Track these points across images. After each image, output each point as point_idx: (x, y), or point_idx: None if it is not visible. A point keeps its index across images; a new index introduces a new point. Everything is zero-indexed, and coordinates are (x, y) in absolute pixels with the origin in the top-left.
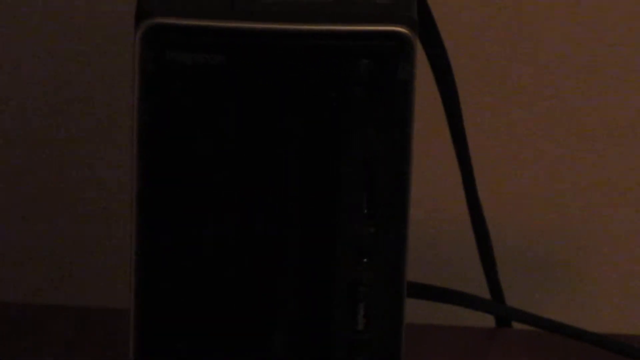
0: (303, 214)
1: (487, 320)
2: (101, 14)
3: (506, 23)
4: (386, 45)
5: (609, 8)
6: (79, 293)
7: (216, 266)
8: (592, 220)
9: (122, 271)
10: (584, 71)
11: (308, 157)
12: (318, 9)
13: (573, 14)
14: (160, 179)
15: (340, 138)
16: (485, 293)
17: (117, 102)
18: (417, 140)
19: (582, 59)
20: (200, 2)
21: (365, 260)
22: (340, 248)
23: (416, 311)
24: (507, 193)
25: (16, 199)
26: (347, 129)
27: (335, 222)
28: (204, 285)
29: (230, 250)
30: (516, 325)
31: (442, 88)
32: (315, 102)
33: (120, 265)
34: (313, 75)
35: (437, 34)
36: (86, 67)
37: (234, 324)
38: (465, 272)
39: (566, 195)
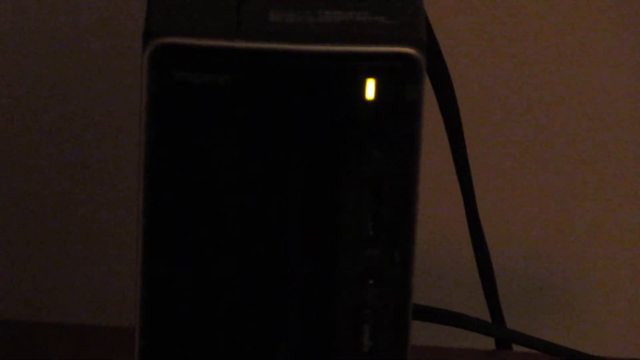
0: (308, 234)
1: (487, 343)
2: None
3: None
4: (394, 67)
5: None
6: (75, 311)
7: (221, 287)
8: (595, 242)
9: (120, 289)
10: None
11: (314, 178)
12: (326, 29)
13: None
14: (166, 197)
15: (347, 159)
16: (485, 315)
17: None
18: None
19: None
20: (208, 21)
21: (371, 282)
22: (345, 270)
23: (416, 333)
24: (509, 216)
25: (10, 214)
26: (353, 150)
27: (341, 244)
28: (209, 306)
29: (236, 271)
30: (516, 347)
31: (445, 115)
32: (322, 122)
33: (118, 282)
34: (320, 95)
35: (442, 62)
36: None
37: (238, 346)
38: (466, 294)
39: (568, 217)
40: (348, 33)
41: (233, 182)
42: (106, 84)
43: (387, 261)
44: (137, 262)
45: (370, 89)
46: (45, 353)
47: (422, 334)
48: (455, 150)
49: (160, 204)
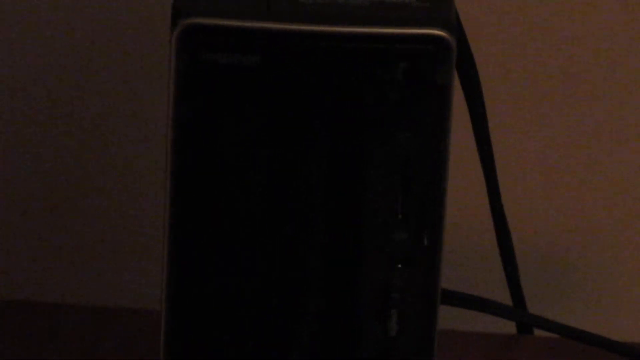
0: (337, 218)
1: (509, 327)
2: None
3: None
4: (424, 49)
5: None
6: (100, 293)
7: (247, 271)
8: (618, 227)
9: (144, 271)
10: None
11: (342, 161)
12: (356, 11)
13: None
14: (194, 178)
15: (376, 142)
16: (507, 299)
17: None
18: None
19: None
20: (237, 2)
21: (399, 266)
22: (374, 253)
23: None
24: (531, 200)
25: (35, 199)
26: (383, 132)
27: (369, 227)
28: (235, 289)
29: (262, 255)
30: (538, 332)
31: (470, 103)
32: (352, 105)
33: (142, 265)
34: (349, 77)
35: (468, 50)
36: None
37: (264, 328)
38: (487, 278)
39: (591, 202)
40: (378, 15)
41: (260, 163)
42: (133, 66)
43: (415, 245)
44: (163, 246)
45: (400, 71)
46: (68, 335)
47: (442, 318)
48: (479, 136)
49: (188, 185)
